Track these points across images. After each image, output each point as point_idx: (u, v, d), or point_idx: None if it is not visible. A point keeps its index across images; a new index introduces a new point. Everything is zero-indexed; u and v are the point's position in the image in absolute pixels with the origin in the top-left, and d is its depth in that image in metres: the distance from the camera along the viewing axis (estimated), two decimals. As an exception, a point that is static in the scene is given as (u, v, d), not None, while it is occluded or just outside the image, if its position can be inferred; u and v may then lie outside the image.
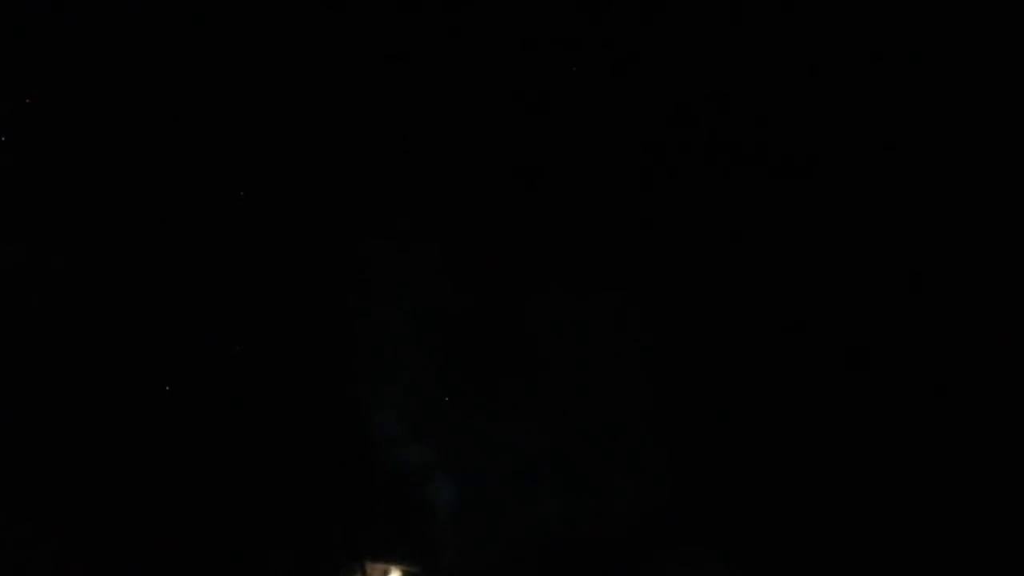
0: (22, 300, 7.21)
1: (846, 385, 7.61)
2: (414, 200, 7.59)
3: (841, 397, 7.60)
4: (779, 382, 7.67)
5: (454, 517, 7.59)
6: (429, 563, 7.45)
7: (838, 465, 7.57)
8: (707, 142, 7.69)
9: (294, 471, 7.41)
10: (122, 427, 7.16)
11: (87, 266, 7.25)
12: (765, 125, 7.61)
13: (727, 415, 7.64)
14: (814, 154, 7.54)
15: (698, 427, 7.67)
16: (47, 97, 7.25)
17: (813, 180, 7.58)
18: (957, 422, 7.39)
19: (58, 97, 7.31)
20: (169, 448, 7.32)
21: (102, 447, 7.13)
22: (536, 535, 7.53)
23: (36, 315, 7.24)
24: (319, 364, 7.59)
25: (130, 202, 7.41)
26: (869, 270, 7.61)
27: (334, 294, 7.65)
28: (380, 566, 7.38)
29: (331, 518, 7.42)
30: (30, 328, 7.24)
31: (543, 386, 7.57)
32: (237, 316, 7.49)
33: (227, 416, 7.39)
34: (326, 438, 7.53)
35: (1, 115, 7.05)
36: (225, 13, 7.16)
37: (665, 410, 7.68)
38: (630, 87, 7.58)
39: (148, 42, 7.25)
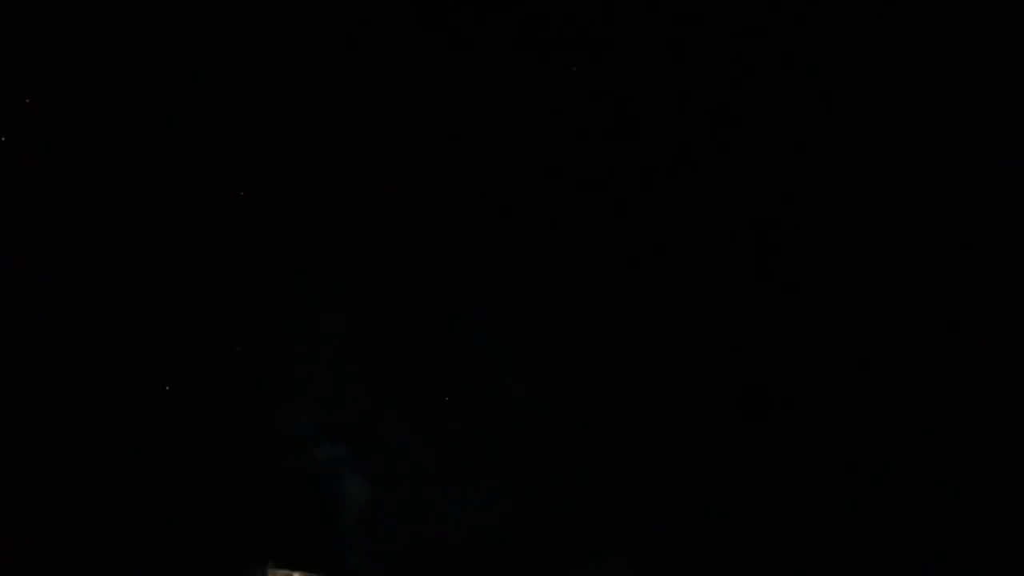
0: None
1: (778, 393, 7.69)
2: (330, 199, 7.59)
3: (772, 405, 7.69)
4: (710, 386, 7.75)
5: (361, 519, 7.57)
6: (335, 567, 7.52)
7: (767, 474, 7.66)
8: (625, 155, 7.81)
9: (193, 470, 7.35)
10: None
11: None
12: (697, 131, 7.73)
13: (654, 417, 7.70)
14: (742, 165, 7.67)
15: (624, 429, 7.73)
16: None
17: (725, 185, 7.71)
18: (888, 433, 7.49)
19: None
20: (59, 447, 7.26)
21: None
22: (447, 538, 7.50)
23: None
24: (223, 359, 7.50)
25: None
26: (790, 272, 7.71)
27: (240, 289, 7.56)
28: (283, 572, 7.51)
29: (232, 520, 7.38)
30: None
31: (460, 385, 7.62)
32: (140, 311, 7.44)
33: (125, 412, 7.34)
34: (227, 435, 7.45)
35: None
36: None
37: (588, 411, 7.72)
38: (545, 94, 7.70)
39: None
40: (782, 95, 7.78)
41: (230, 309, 7.57)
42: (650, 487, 7.69)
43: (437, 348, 7.68)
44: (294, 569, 7.49)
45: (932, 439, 7.50)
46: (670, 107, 7.84)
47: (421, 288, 7.77)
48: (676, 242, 7.83)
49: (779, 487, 7.62)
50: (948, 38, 7.48)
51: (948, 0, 7.43)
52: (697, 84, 7.82)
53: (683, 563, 7.57)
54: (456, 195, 7.71)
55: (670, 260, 7.84)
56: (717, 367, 7.77)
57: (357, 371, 7.62)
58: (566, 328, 7.76)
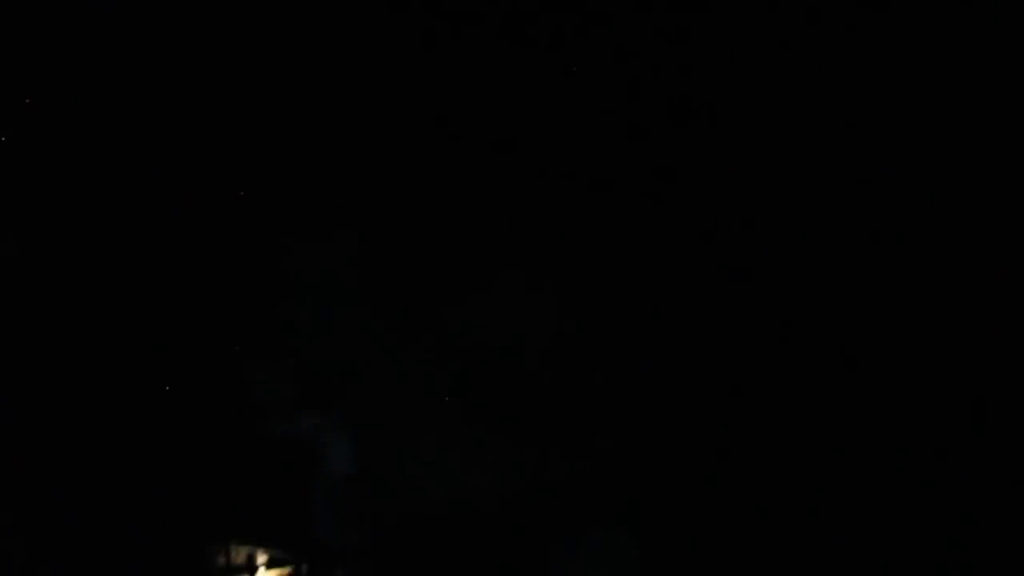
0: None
1: (767, 357, 7.42)
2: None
3: (763, 369, 7.42)
4: (719, 350, 7.49)
5: (338, 492, 7.21)
6: (304, 544, 7.36)
7: (775, 443, 7.38)
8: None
9: (150, 437, 6.98)
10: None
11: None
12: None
13: (661, 380, 7.42)
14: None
15: (632, 393, 7.41)
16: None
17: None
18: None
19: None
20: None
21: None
22: (433, 512, 7.15)
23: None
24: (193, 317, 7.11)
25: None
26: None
27: (218, 242, 7.24)
28: (246, 549, 7.44)
29: (192, 492, 6.99)
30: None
31: (454, 347, 7.37)
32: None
33: (78, 372, 6.97)
34: (185, 401, 7.06)
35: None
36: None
37: (593, 377, 7.45)
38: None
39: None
40: (783, 92, 7.57)
41: (206, 264, 7.40)
42: (655, 456, 7.40)
43: (429, 307, 7.45)
44: (260, 546, 7.37)
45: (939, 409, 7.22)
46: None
47: (413, 244, 7.54)
48: (674, 198, 7.59)
49: (787, 457, 7.30)
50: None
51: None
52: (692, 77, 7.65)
53: (687, 535, 7.28)
54: (452, 156, 7.53)
55: (671, 221, 7.61)
56: (723, 332, 7.48)
57: (341, 330, 7.42)
58: (571, 287, 7.51)
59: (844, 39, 7.37)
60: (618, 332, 7.36)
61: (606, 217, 7.47)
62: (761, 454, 7.18)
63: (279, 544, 7.35)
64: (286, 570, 7.39)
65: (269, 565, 7.36)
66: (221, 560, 7.28)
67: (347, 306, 7.36)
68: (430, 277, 7.38)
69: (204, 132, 7.28)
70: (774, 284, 7.37)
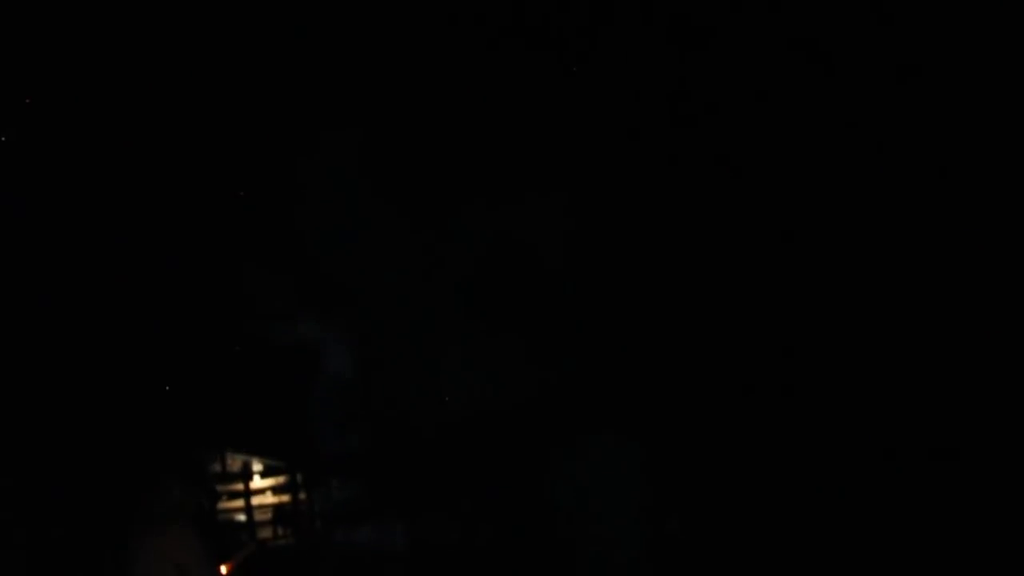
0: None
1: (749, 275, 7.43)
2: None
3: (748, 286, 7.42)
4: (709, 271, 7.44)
5: (334, 400, 7.00)
6: (300, 451, 7.16)
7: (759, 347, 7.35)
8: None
9: (146, 344, 6.69)
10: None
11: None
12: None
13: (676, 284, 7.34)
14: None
15: (640, 292, 7.31)
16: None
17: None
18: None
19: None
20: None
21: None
22: (427, 417, 6.92)
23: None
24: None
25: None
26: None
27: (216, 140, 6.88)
28: (241, 457, 7.25)
29: (185, 398, 6.75)
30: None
31: (456, 253, 7.18)
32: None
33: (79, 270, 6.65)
34: (184, 306, 6.81)
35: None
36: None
37: (586, 282, 7.35)
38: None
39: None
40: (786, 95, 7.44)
41: (209, 168, 6.99)
42: (661, 363, 7.35)
43: (433, 211, 7.19)
44: (255, 454, 7.21)
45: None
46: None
47: (419, 145, 7.26)
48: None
49: (793, 374, 7.31)
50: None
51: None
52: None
53: (689, 441, 7.30)
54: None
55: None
56: (740, 247, 7.42)
57: (343, 234, 7.13)
58: (582, 188, 7.31)
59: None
60: (630, 238, 7.29)
61: (619, 129, 7.32)
62: (769, 369, 7.26)
63: (275, 452, 7.18)
64: (281, 478, 7.24)
65: (264, 473, 7.20)
66: (217, 467, 7.09)
67: (351, 209, 7.07)
68: (437, 180, 7.14)
69: (212, 35, 6.80)
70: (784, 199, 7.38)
